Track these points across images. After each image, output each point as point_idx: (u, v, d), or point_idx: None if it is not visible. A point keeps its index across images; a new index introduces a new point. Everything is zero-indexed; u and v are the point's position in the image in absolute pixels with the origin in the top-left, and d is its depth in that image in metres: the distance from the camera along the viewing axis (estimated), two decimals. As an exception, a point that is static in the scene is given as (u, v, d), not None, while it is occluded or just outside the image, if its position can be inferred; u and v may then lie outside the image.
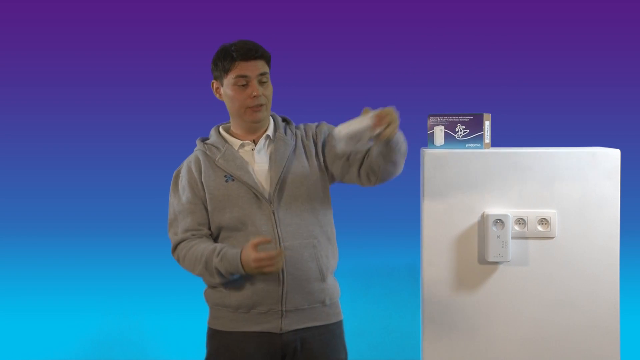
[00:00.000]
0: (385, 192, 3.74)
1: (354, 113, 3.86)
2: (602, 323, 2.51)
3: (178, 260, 2.54)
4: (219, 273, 2.43)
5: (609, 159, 2.50)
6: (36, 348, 3.94)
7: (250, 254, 2.36)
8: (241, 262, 2.38)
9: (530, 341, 2.53)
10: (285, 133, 2.57)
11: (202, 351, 2.60)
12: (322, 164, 2.57)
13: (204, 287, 2.59)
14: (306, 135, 2.60)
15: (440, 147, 2.62)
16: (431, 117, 2.63)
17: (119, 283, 3.94)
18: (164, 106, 3.96)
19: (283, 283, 2.45)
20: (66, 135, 3.98)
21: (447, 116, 2.61)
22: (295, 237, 2.47)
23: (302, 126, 2.64)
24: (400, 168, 2.51)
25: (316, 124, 2.65)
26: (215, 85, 2.57)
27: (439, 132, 2.62)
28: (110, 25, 3.96)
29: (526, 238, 2.52)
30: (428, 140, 2.64)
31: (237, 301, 2.48)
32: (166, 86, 3.95)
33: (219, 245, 2.45)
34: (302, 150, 2.57)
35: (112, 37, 3.96)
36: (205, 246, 2.46)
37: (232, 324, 2.50)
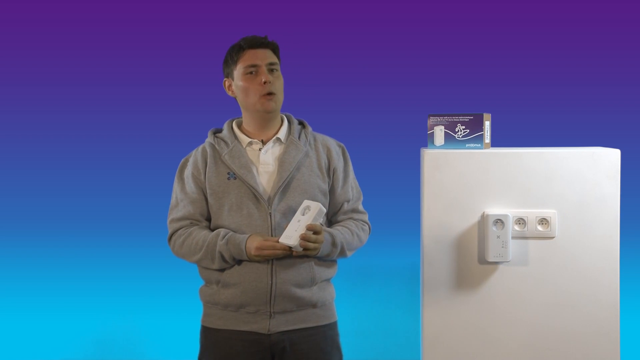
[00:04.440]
0: (385, 192, 3.75)
1: (354, 113, 3.88)
2: (602, 323, 2.51)
3: (174, 247, 2.56)
4: (221, 257, 2.44)
5: (609, 159, 2.50)
6: (36, 348, 3.94)
7: (255, 240, 2.39)
8: (246, 246, 2.40)
9: (530, 341, 2.53)
10: (299, 137, 2.57)
11: (197, 349, 2.61)
12: (327, 186, 2.57)
13: (200, 285, 2.60)
14: (323, 148, 2.59)
15: (440, 147, 2.62)
16: (431, 117, 2.63)
17: (117, 283, 3.94)
18: (165, 106, 3.96)
19: (272, 286, 2.45)
20: (66, 135, 3.98)
21: (447, 116, 2.61)
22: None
23: (319, 137, 2.62)
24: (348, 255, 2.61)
25: (337, 143, 2.64)
26: (227, 83, 2.57)
27: (439, 132, 2.62)
28: (110, 25, 3.96)
29: (526, 238, 2.52)
30: (428, 140, 2.64)
31: (227, 299, 2.49)
32: (167, 86, 3.95)
33: (223, 230, 2.47)
34: (315, 158, 2.56)
35: (112, 37, 3.96)
36: (206, 232, 2.50)
37: (222, 321, 2.52)
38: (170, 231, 2.57)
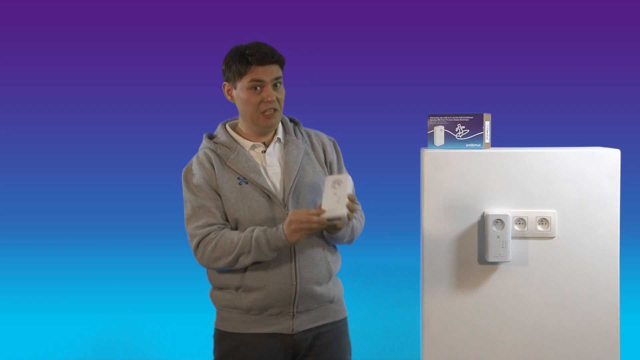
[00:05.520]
0: (385, 192, 3.75)
1: (354, 113, 3.88)
2: (602, 323, 2.51)
3: (203, 252, 2.44)
4: (257, 247, 2.38)
5: (609, 159, 2.50)
6: (37, 348, 3.94)
7: (293, 215, 2.36)
8: (284, 228, 2.37)
9: (530, 341, 2.53)
10: (296, 135, 2.58)
11: (206, 352, 2.60)
12: None
13: (208, 288, 2.59)
14: (318, 143, 2.61)
15: (440, 147, 2.62)
16: (431, 117, 2.63)
17: (122, 283, 3.95)
18: (165, 106, 3.97)
19: (296, 286, 2.46)
20: (66, 135, 3.98)
21: (447, 116, 2.61)
22: (307, 240, 2.47)
23: (312, 132, 2.64)
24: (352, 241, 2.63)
25: (327, 137, 2.66)
26: (227, 87, 2.53)
27: (439, 132, 2.62)
28: (110, 25, 3.96)
29: (526, 238, 2.52)
30: (428, 140, 2.64)
31: (249, 303, 2.47)
32: (167, 86, 3.95)
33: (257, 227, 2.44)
34: (313, 154, 2.58)
35: (112, 37, 3.96)
36: (238, 232, 2.44)
37: (243, 325, 2.50)
38: (197, 239, 2.45)
